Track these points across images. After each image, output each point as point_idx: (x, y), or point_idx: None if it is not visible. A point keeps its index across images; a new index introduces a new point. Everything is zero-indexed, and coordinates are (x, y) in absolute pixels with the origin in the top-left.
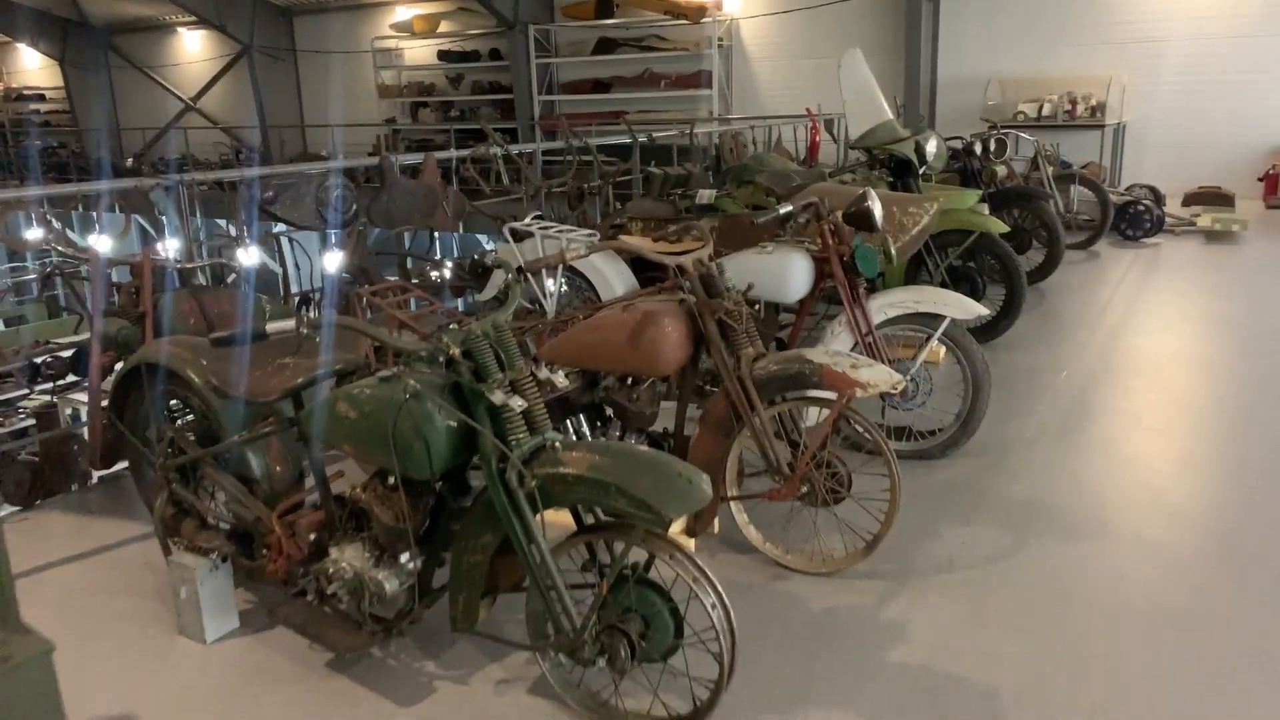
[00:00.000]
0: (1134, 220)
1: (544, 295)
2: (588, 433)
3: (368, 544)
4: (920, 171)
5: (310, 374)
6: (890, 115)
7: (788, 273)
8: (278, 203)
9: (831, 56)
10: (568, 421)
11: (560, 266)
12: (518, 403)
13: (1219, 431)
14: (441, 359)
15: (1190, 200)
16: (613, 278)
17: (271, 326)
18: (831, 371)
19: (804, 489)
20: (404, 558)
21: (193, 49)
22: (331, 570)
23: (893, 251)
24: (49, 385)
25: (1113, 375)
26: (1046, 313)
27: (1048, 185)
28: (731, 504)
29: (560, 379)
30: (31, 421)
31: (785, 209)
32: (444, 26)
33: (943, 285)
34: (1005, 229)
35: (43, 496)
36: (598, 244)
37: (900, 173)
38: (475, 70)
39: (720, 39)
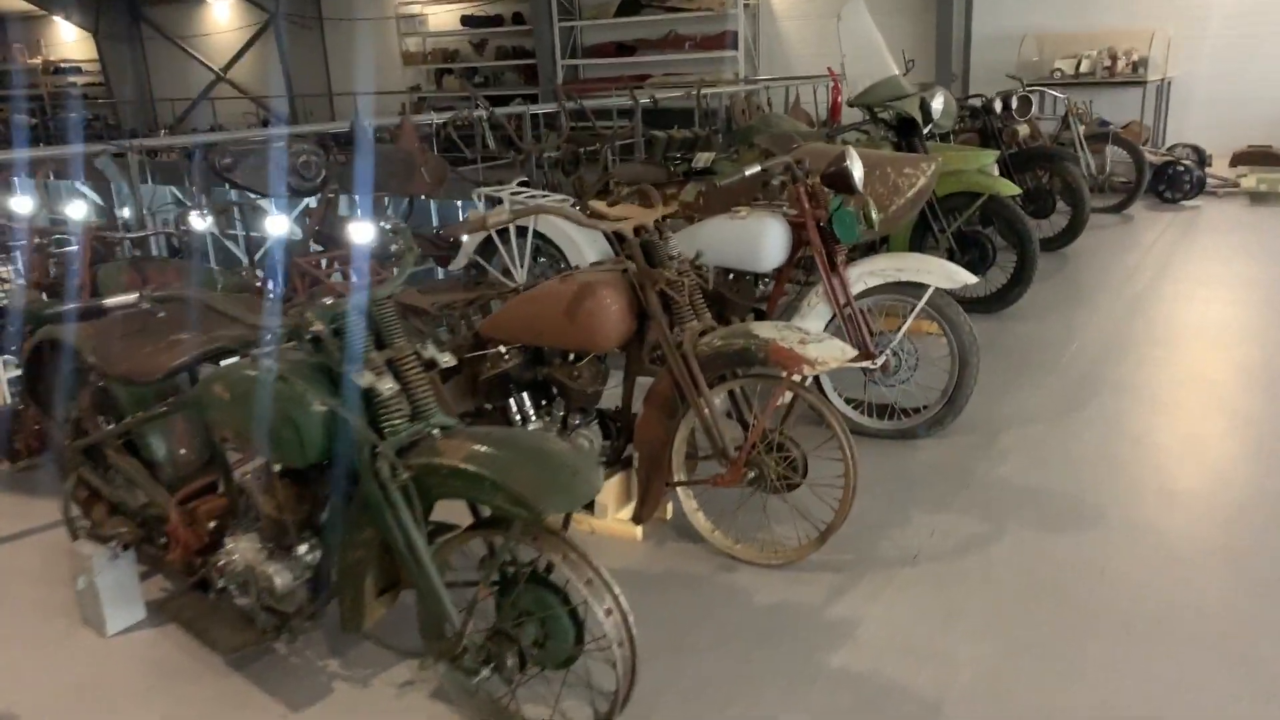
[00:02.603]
0: (1172, 181)
1: (514, 263)
2: (531, 412)
3: (263, 534)
4: (927, 131)
5: (200, 350)
6: (895, 71)
7: (762, 239)
8: (237, 169)
9: None
10: (510, 401)
11: (530, 232)
12: (388, 386)
13: (1237, 409)
14: (307, 337)
15: (1238, 160)
16: (584, 245)
17: (111, 300)
18: (778, 347)
19: (752, 474)
20: (301, 549)
21: (222, 18)
22: (223, 562)
23: (874, 216)
24: None
25: (1128, 347)
26: (1065, 280)
27: (1078, 145)
28: (678, 490)
29: (445, 358)
30: None
31: (752, 169)
32: None
33: (949, 251)
34: (1015, 191)
35: None
36: (524, 208)
37: (906, 132)
38: (498, 35)
39: None
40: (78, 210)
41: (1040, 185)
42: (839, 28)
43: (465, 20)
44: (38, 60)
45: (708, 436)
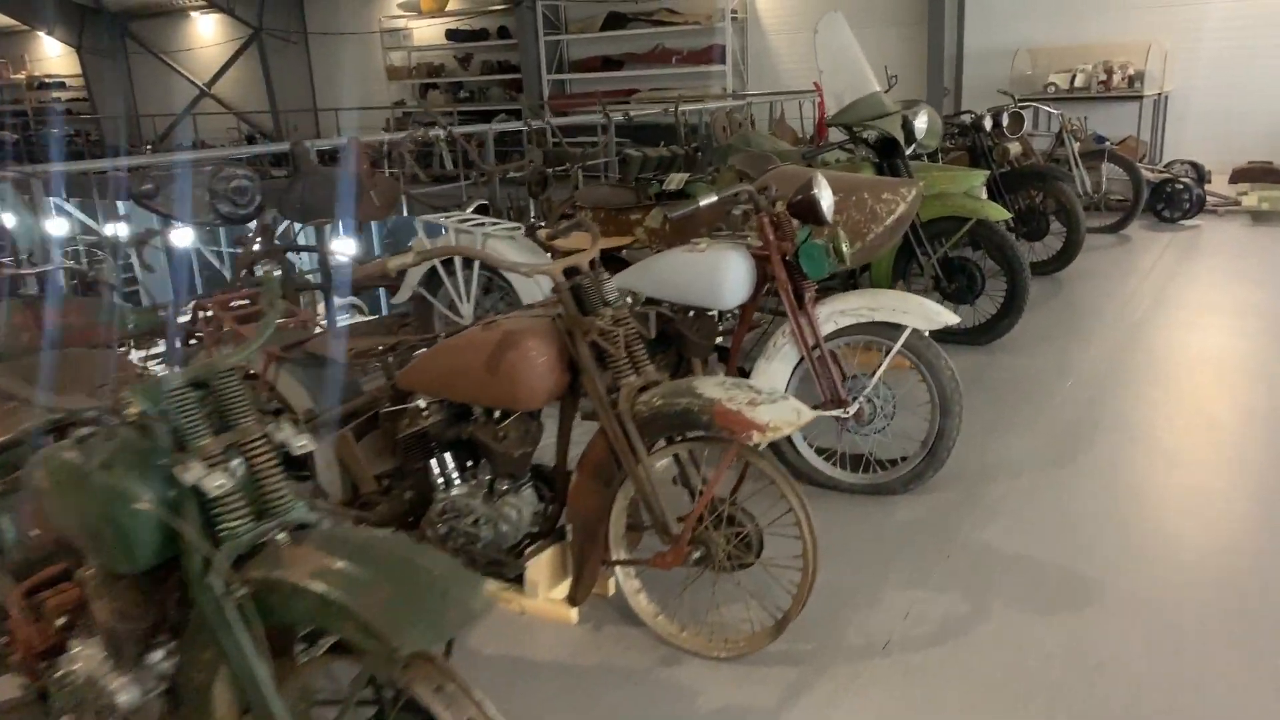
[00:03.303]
0: (1171, 200)
1: (460, 297)
2: (455, 475)
3: (107, 640)
4: (911, 150)
5: (34, 423)
6: (876, 87)
7: (721, 274)
8: (159, 196)
9: (854, 28)
10: (431, 463)
11: (476, 266)
12: (215, 483)
13: (1246, 456)
14: (126, 423)
15: (1238, 177)
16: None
17: None
18: (724, 409)
19: (697, 554)
20: (155, 656)
21: (206, 33)
22: (61, 673)
23: (845, 249)
24: None
25: (1127, 383)
26: (1060, 307)
27: (1072, 163)
28: (617, 569)
29: (300, 441)
30: None
31: (708, 199)
32: (452, 4)
33: (935, 279)
34: (1005, 215)
35: None
36: (431, 249)
37: (887, 153)
38: (484, 49)
39: (734, 11)
40: (58, 227)
41: (1033, 206)
42: (815, 42)
43: (450, 35)
44: (21, 75)
45: (647, 509)
